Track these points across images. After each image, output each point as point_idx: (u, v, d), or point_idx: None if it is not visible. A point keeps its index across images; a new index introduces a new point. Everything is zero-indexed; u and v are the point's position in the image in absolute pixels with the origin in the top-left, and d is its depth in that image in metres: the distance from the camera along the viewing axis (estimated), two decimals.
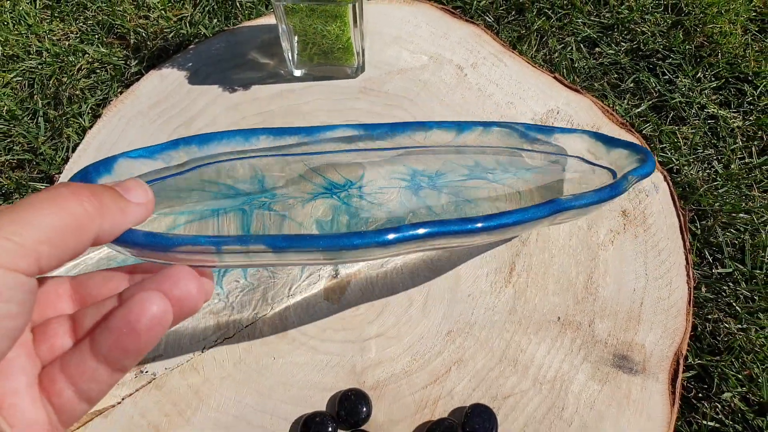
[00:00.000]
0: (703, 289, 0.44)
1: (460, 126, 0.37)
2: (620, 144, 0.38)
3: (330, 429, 0.35)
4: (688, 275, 0.42)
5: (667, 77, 0.55)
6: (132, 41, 0.55)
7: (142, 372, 0.37)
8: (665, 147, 0.51)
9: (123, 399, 0.37)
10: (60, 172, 0.46)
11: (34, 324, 0.20)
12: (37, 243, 0.17)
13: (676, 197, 0.45)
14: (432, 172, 0.42)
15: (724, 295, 0.43)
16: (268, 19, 0.54)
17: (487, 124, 0.37)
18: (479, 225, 0.29)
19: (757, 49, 0.56)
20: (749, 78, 0.54)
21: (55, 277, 0.22)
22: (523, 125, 0.38)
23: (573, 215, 0.33)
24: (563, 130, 0.39)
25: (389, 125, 0.36)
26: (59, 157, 0.48)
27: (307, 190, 0.41)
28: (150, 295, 0.19)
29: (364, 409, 0.36)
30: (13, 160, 0.49)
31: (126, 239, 0.22)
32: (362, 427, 0.36)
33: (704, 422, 0.39)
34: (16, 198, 0.47)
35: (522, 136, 0.38)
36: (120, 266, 0.23)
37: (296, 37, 0.46)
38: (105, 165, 0.27)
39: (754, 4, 0.59)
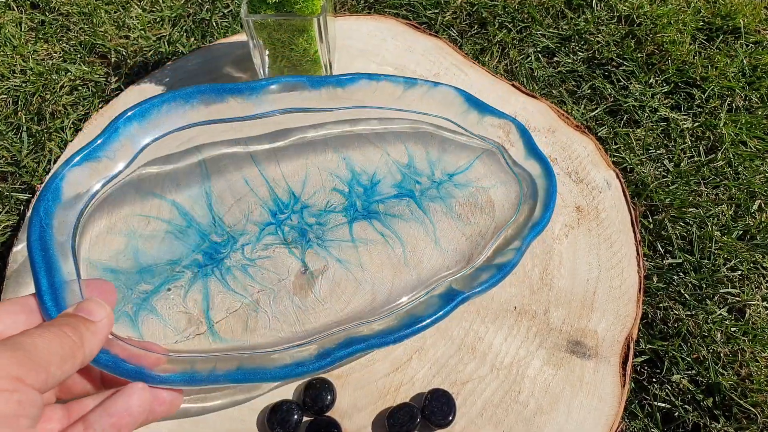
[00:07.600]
0: (655, 279, 0.46)
1: (408, 81, 0.41)
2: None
3: (296, 416, 0.37)
4: (638, 265, 0.45)
5: (621, 83, 0.58)
6: (113, 60, 0.58)
7: None
8: (619, 148, 0.53)
9: None
10: (41, 183, 0.48)
11: None
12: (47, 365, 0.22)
13: (627, 194, 0.48)
14: (367, 179, 0.45)
15: (675, 284, 0.46)
16: (242, 36, 0.57)
17: (434, 83, 0.43)
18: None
19: (704, 55, 0.60)
20: (697, 83, 0.58)
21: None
22: (466, 93, 0.44)
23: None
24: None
25: (336, 77, 0.38)
26: (41, 168, 0.51)
27: (255, 217, 0.43)
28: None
29: (329, 396, 0.38)
30: None
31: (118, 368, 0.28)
32: (327, 414, 0.38)
33: (656, 404, 0.41)
34: None
35: (466, 100, 0.44)
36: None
37: (267, 51, 0.49)
38: (54, 196, 0.30)
39: (701, 14, 0.63)
